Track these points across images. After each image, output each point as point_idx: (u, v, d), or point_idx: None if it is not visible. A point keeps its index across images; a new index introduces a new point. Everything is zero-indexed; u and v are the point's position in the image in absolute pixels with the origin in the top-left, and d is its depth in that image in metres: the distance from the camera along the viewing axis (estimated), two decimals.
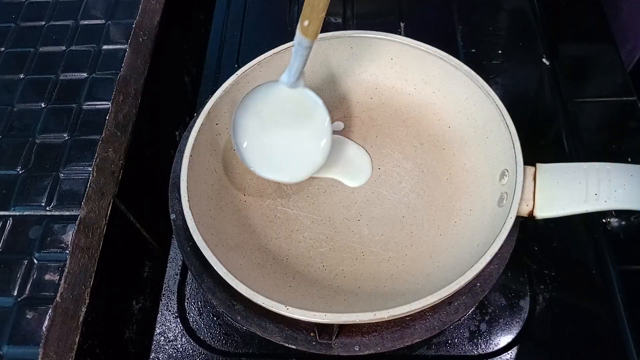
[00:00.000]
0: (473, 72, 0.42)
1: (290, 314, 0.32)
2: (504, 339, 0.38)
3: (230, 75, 0.43)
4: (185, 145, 0.39)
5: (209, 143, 0.42)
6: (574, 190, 0.35)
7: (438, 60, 0.43)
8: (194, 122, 0.41)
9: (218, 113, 0.42)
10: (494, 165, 0.40)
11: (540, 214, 0.36)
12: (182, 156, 0.39)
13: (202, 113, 0.41)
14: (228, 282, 0.33)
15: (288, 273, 0.38)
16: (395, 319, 0.33)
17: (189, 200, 0.37)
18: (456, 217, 0.41)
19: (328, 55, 0.46)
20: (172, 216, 0.39)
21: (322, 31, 0.46)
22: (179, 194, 0.37)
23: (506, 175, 0.38)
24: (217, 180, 0.41)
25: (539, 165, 0.37)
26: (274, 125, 0.41)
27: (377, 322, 0.34)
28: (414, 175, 0.43)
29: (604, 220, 0.43)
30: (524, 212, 0.36)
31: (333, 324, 0.33)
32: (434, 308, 0.34)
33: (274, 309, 0.32)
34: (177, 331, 0.40)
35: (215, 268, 0.33)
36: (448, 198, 0.42)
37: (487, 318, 0.39)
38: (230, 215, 0.41)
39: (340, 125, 0.47)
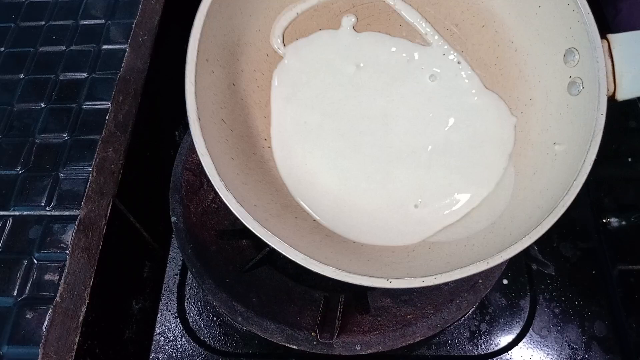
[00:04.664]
0: None
1: (359, 281, 0.26)
2: (504, 339, 0.38)
3: None
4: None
5: (212, 92, 0.33)
6: None
7: None
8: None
9: (207, 46, 0.34)
10: (553, 43, 0.33)
11: (624, 95, 0.30)
12: (191, 129, 0.30)
13: (189, 56, 0.33)
14: (303, 262, 0.26)
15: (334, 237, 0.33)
16: (396, 318, 0.33)
17: (218, 174, 0.29)
18: (515, 110, 0.35)
19: None
20: (173, 219, 0.39)
21: None
22: (180, 196, 0.37)
23: (575, 55, 0.31)
24: (230, 132, 0.33)
25: (610, 36, 0.31)
26: None
27: (379, 321, 0.34)
28: (458, 65, 0.37)
29: (604, 221, 0.43)
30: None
31: (335, 323, 0.33)
32: (436, 305, 0.34)
33: (345, 278, 0.26)
34: (176, 331, 0.40)
35: (288, 253, 0.26)
36: (502, 88, 0.35)
37: (487, 318, 0.39)
38: (259, 171, 0.34)
39: (352, 20, 0.39)
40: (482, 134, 0.35)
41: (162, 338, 0.40)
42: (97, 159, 0.41)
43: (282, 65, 0.38)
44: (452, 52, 0.37)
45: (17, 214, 0.44)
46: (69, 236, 0.42)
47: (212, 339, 0.39)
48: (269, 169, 0.34)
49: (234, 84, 0.35)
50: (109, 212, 0.39)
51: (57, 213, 0.44)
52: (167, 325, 0.40)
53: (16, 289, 0.40)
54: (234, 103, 0.34)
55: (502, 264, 0.35)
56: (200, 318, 0.40)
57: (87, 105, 0.50)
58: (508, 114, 0.35)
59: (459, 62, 0.38)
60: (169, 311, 0.41)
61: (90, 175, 0.40)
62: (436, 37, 0.38)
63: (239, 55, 0.36)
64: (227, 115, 0.33)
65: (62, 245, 0.42)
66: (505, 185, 0.33)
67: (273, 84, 0.37)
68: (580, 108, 0.30)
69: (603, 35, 0.31)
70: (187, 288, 0.42)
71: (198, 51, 0.33)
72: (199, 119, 0.30)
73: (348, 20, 0.38)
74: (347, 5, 0.37)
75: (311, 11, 0.38)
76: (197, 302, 0.41)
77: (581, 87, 0.31)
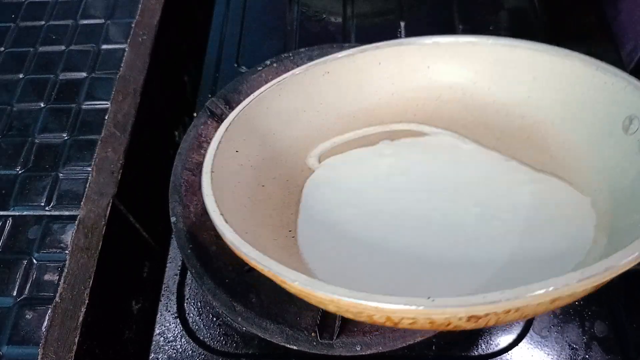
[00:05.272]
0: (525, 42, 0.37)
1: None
2: (504, 339, 0.38)
3: (230, 75, 0.43)
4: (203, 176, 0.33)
5: (236, 180, 0.35)
6: None
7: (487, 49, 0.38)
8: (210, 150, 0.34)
9: (237, 138, 0.36)
10: (607, 121, 0.34)
11: None
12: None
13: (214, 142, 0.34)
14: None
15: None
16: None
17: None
18: (588, 191, 0.34)
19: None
20: (173, 219, 0.39)
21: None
22: (179, 197, 0.37)
23: (635, 120, 0.32)
24: (249, 219, 0.33)
25: None
26: None
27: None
28: (507, 163, 0.37)
29: None
30: None
31: (335, 324, 0.33)
32: None
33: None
34: (176, 332, 0.40)
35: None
36: (565, 177, 0.35)
37: None
38: (279, 253, 0.33)
39: (387, 141, 0.41)
40: (552, 215, 0.33)
41: (162, 338, 0.39)
42: (97, 159, 0.41)
43: (316, 174, 0.39)
44: (497, 153, 0.37)
45: (17, 214, 0.44)
46: (68, 236, 0.42)
47: (212, 339, 0.39)
48: (290, 253, 0.33)
49: (263, 185, 0.36)
50: (108, 212, 0.39)
51: (56, 213, 0.43)
52: (166, 326, 0.40)
53: (16, 289, 0.40)
54: (260, 198, 0.35)
55: None
56: (200, 318, 0.40)
57: (87, 105, 0.50)
58: (579, 195, 0.34)
59: (507, 160, 0.37)
60: (169, 311, 0.41)
61: (90, 175, 0.40)
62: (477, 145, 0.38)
63: (272, 164, 0.37)
64: (249, 203, 0.34)
65: (62, 245, 0.42)
66: (599, 251, 0.31)
67: (305, 189, 0.38)
68: None
69: None
70: (187, 288, 0.42)
71: (227, 129, 0.34)
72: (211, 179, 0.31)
73: (385, 142, 0.40)
74: (384, 135, 0.40)
75: (349, 141, 0.40)
76: (197, 303, 0.41)
77: None
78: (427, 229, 0.34)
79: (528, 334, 0.38)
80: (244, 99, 0.44)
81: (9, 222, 0.43)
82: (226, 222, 0.28)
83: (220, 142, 0.34)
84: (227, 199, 0.31)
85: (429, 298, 0.22)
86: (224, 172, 0.33)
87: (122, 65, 0.46)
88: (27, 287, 0.40)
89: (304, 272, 0.28)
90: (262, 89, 0.38)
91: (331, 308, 0.25)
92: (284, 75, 0.39)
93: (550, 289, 0.22)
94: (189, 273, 0.42)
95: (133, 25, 0.49)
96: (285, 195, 0.37)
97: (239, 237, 0.27)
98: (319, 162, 0.40)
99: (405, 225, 0.34)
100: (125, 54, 0.47)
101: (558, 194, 0.34)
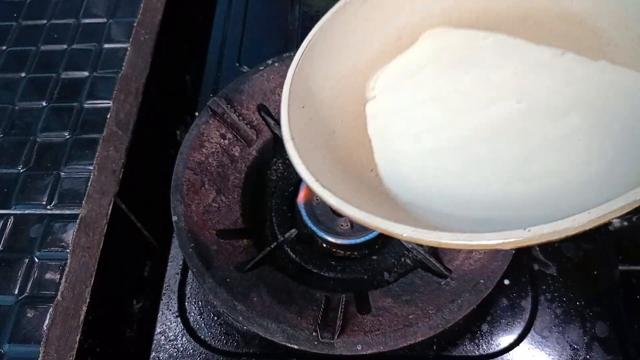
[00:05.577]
0: None
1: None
2: (505, 340, 0.38)
3: (231, 74, 0.43)
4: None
5: (310, 135, 0.35)
6: None
7: None
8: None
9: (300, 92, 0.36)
10: None
11: None
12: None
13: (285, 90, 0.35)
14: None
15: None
16: (397, 318, 0.33)
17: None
18: None
19: None
20: (174, 218, 0.39)
21: None
22: (181, 196, 0.37)
23: None
24: (334, 166, 0.34)
25: None
26: None
27: (380, 321, 0.34)
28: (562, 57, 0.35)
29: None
30: None
31: (336, 323, 0.33)
32: (437, 305, 0.34)
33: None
34: (177, 330, 0.40)
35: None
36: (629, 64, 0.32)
37: (488, 318, 0.39)
38: (367, 195, 0.33)
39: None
40: (624, 106, 0.31)
41: (163, 337, 0.39)
42: (99, 158, 0.41)
43: (373, 104, 0.39)
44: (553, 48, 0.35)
45: (18, 212, 0.44)
46: (70, 235, 0.42)
47: (212, 338, 0.39)
48: (379, 192, 0.34)
49: (334, 132, 0.37)
50: (110, 211, 0.39)
51: (58, 212, 0.44)
52: (167, 325, 0.40)
53: (17, 288, 0.40)
54: (335, 144, 0.36)
55: (503, 264, 0.35)
56: (201, 317, 0.40)
57: (89, 104, 0.50)
58: None
59: (563, 54, 0.35)
60: (170, 310, 0.41)
61: (92, 174, 0.40)
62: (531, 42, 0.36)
63: (337, 108, 0.38)
64: (328, 153, 0.34)
65: (63, 244, 0.42)
66: None
67: (369, 123, 0.38)
68: None
69: None
70: (188, 287, 0.42)
71: (290, 88, 0.35)
72: (293, 138, 0.32)
73: (434, 50, 0.39)
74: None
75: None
76: (198, 302, 0.41)
77: None
78: (496, 135, 0.33)
79: (529, 334, 0.38)
80: (246, 98, 0.45)
81: (11, 220, 0.43)
82: (323, 187, 0.29)
83: (289, 105, 0.34)
84: (311, 157, 0.32)
85: (525, 229, 0.24)
86: (301, 133, 0.33)
87: (124, 64, 0.46)
88: (29, 286, 0.40)
89: (398, 209, 0.31)
90: (308, 38, 0.38)
91: (435, 245, 0.27)
92: (324, 18, 0.38)
93: (631, 200, 0.23)
94: (190, 272, 0.42)
95: (135, 24, 0.49)
96: (357, 135, 0.37)
97: (342, 201, 0.28)
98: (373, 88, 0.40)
99: (475, 134, 0.34)
100: (127, 53, 0.47)
101: (622, 81, 0.32)
